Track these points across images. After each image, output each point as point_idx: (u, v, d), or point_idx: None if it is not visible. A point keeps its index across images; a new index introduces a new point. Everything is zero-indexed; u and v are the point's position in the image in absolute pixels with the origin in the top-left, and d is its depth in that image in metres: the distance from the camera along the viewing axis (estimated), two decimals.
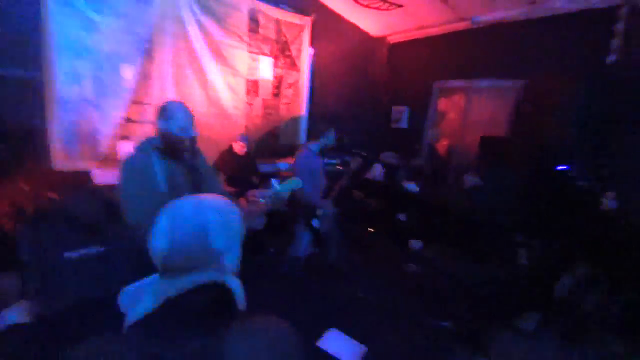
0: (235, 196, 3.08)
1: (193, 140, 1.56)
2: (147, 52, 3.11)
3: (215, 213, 0.74)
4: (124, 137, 3.11)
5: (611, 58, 2.92)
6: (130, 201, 1.45)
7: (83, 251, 2.11)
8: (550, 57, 3.37)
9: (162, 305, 0.66)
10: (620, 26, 2.89)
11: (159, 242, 0.72)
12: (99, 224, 2.25)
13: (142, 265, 1.61)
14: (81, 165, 2.87)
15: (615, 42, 2.92)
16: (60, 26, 2.61)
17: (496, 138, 3.70)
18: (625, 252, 2.23)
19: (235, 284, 0.73)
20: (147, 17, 3.04)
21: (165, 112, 1.50)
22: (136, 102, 3.12)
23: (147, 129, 3.22)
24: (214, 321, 0.65)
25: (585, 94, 2.92)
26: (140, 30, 3.02)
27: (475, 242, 2.91)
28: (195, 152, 1.63)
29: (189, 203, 0.75)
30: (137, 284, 1.52)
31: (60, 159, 2.76)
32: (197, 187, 1.55)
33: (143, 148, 1.51)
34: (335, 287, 2.75)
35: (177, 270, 0.71)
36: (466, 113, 4.43)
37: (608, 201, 2.67)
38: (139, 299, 0.69)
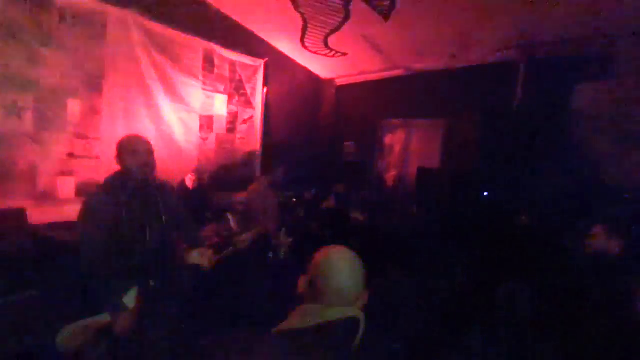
0: None
1: (150, 173, 1.55)
2: (96, 87, 3.08)
3: (356, 262, 0.95)
4: (66, 173, 2.96)
5: (515, 103, 3.57)
6: (87, 241, 1.42)
7: (12, 297, 1.91)
8: (469, 100, 4.00)
9: (314, 328, 0.85)
10: (520, 76, 3.59)
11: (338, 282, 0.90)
12: (33, 265, 2.08)
13: (85, 306, 1.55)
14: (15, 203, 2.65)
15: (518, 90, 3.61)
16: (3, 59, 2.53)
17: (430, 169, 4.17)
18: (539, 262, 2.60)
19: (363, 319, 0.91)
20: (98, 53, 3.05)
21: (124, 148, 1.48)
22: (81, 136, 3.02)
23: (92, 164, 3.10)
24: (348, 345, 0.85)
25: (497, 131, 3.49)
26: (90, 65, 3.02)
27: (416, 260, 3.15)
28: (160, 188, 1.64)
29: (347, 255, 0.96)
30: (81, 322, 1.45)
31: None
32: (163, 225, 1.56)
33: (105, 186, 1.50)
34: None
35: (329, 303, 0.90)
36: (408, 147, 4.93)
37: (522, 218, 3.13)
38: None
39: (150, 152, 1.53)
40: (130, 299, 1.53)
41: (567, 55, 3.33)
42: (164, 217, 1.59)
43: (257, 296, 2.96)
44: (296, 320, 0.91)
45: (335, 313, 0.88)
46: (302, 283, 0.98)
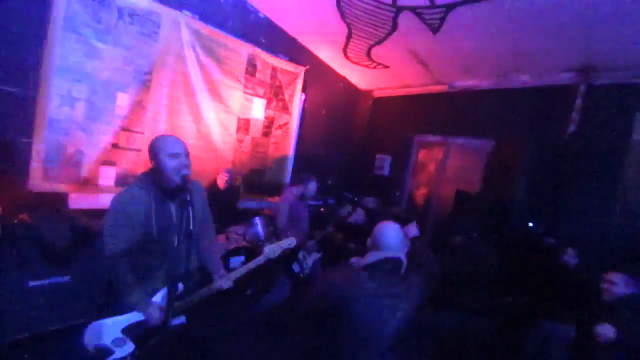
0: (216, 232, 3.04)
1: (186, 177, 1.50)
2: (145, 83, 3.20)
3: (398, 228, 1.55)
4: (108, 163, 3.07)
5: (571, 129, 3.29)
6: (111, 233, 1.42)
7: (48, 280, 1.97)
8: (517, 123, 3.76)
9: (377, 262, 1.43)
10: (579, 102, 3.32)
11: None
12: (68, 251, 2.13)
13: (109, 300, 1.54)
14: (59, 187, 2.77)
15: (574, 116, 3.33)
16: (63, 50, 2.68)
17: (469, 193, 3.93)
18: (586, 307, 2.34)
19: (404, 260, 1.49)
20: (150, 50, 3.17)
21: (160, 148, 1.45)
22: (126, 129, 3.14)
23: (133, 157, 3.21)
24: None
25: (546, 159, 3.23)
26: (141, 62, 3.13)
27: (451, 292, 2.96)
28: (190, 189, 1.62)
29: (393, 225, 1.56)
30: (102, 322, 1.44)
31: (38, 179, 2.66)
32: (188, 227, 1.53)
33: (138, 182, 1.50)
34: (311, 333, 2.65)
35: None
36: (443, 166, 4.72)
37: (569, 258, 2.85)
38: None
39: (187, 154, 1.51)
40: (158, 299, 1.51)
41: (630, 83, 3.04)
42: (193, 220, 1.56)
43: (277, 306, 2.90)
44: (365, 259, 1.46)
45: (388, 254, 1.43)
46: (368, 240, 1.52)
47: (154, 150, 1.47)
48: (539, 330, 2.52)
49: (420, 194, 4.88)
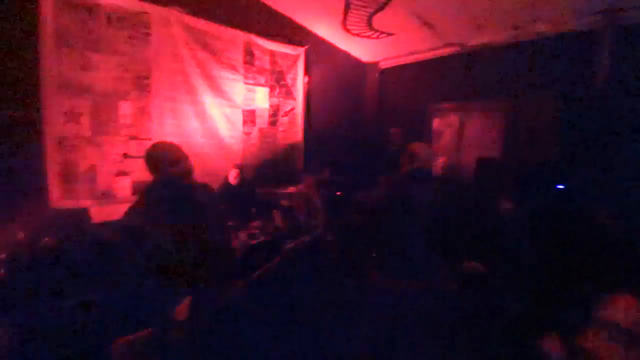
0: (236, 229, 3.04)
1: (187, 178, 1.49)
2: (145, 88, 3.14)
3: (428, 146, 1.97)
4: (122, 173, 3.09)
5: (601, 77, 3.00)
6: (124, 248, 1.41)
7: (75, 299, 2.02)
8: (537, 78, 3.47)
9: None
10: (607, 46, 2.99)
11: None
12: (96, 268, 2.18)
13: (137, 315, 1.55)
14: (78, 204, 2.83)
15: (604, 62, 3.01)
16: (59, 66, 2.64)
17: (492, 160, 3.73)
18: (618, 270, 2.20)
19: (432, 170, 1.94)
20: (145, 54, 3.09)
21: (157, 158, 1.43)
22: (134, 137, 3.13)
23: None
24: None
25: (572, 113, 2.98)
26: (138, 67, 3.07)
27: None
28: (193, 190, 1.59)
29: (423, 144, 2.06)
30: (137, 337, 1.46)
31: (58, 198, 2.72)
32: (204, 231, 1.51)
33: (141, 197, 1.48)
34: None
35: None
36: (460, 132, 4.50)
37: (606, 218, 2.67)
38: None
39: (186, 157, 1.46)
40: (181, 311, 1.51)
41: None
42: (203, 223, 1.54)
43: (301, 297, 2.91)
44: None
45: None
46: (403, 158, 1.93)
47: (150, 160, 1.44)
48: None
49: (439, 163, 4.70)
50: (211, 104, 3.62)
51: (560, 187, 2.89)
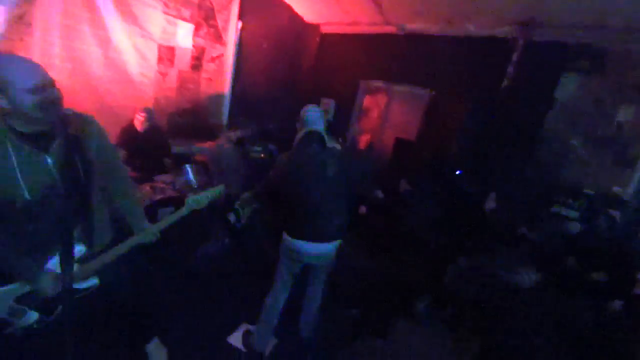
0: (139, 181, 2.70)
1: (59, 116, 1.16)
2: None
3: None
4: None
5: (505, 83, 3.41)
6: None
7: None
8: (457, 74, 3.79)
9: None
10: (515, 56, 3.39)
11: None
12: None
13: None
14: None
15: (510, 70, 3.43)
16: None
17: (407, 141, 4.05)
18: (499, 244, 2.72)
19: None
20: None
21: (9, 78, 1.03)
22: (9, 52, 2.41)
23: None
24: None
25: (480, 113, 3.38)
26: None
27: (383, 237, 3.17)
28: (72, 132, 1.28)
29: None
30: None
31: None
32: (79, 185, 1.25)
33: None
34: (251, 283, 2.67)
35: None
36: (386, 113, 4.72)
37: (489, 202, 3.21)
38: None
39: (51, 84, 1.11)
40: (53, 265, 1.29)
41: (564, 42, 3.17)
42: (86, 172, 1.27)
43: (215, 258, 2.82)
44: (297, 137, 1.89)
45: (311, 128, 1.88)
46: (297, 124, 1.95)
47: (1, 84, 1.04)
48: (457, 267, 2.89)
49: (363, 139, 4.90)
50: (118, 29, 2.99)
51: (459, 172, 3.32)
